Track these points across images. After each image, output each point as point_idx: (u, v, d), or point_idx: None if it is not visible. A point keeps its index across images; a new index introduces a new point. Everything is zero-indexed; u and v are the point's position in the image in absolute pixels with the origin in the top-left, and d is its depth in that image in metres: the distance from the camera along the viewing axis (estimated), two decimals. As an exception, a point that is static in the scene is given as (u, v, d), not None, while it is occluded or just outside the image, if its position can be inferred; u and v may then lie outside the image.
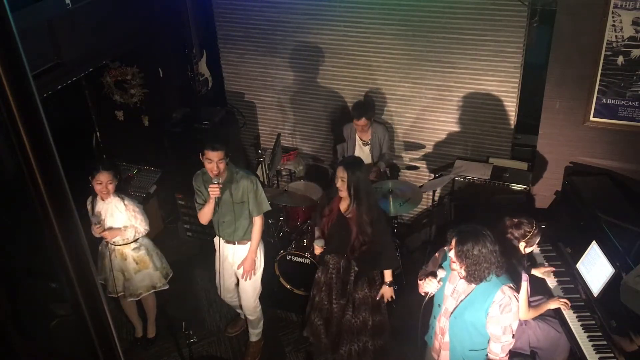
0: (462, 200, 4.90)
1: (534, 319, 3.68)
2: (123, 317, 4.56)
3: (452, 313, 3.10)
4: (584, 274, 3.80)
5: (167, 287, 4.37)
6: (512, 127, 5.01)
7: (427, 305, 3.21)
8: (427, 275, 3.13)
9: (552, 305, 3.69)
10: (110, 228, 4.00)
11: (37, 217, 0.87)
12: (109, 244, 4.09)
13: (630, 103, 4.28)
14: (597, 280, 3.66)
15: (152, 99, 5.52)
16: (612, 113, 4.36)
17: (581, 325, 3.61)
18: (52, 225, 0.88)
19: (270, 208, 4.08)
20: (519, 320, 3.25)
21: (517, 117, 4.98)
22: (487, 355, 3.10)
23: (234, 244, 4.09)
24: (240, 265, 4.09)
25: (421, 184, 5.18)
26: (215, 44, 5.70)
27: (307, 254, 4.65)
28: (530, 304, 3.59)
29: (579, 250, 3.92)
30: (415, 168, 5.42)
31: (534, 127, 4.80)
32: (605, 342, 3.48)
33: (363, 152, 5.14)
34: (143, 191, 5.45)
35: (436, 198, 5.40)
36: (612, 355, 3.41)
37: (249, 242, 4.05)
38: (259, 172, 5.23)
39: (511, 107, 4.92)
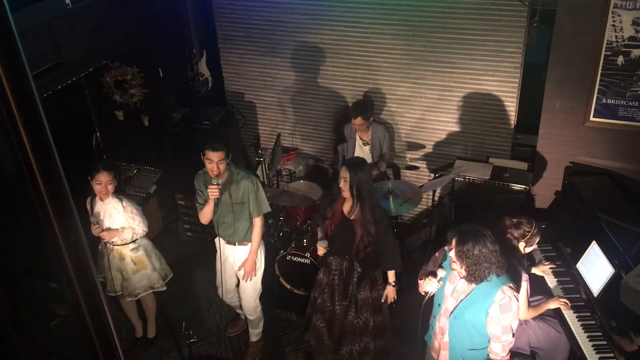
0: (462, 200, 4.90)
1: (534, 318, 3.68)
2: (123, 317, 4.56)
3: (452, 313, 3.10)
4: (584, 274, 3.80)
5: (164, 288, 4.36)
6: (512, 127, 5.01)
7: (427, 305, 3.21)
8: (427, 275, 3.13)
9: (552, 305, 3.69)
10: (109, 229, 4.00)
11: (37, 217, 0.87)
12: (108, 244, 4.09)
13: (630, 103, 4.29)
14: (597, 280, 3.66)
15: (152, 99, 5.52)
16: (612, 113, 4.36)
17: (581, 325, 3.61)
18: (52, 225, 0.88)
19: (270, 209, 4.08)
20: (519, 320, 3.25)
21: (517, 117, 4.98)
22: (487, 355, 3.10)
23: (235, 245, 4.08)
24: (241, 266, 4.10)
25: (421, 184, 5.18)
26: (215, 44, 5.70)
27: (307, 254, 4.65)
28: (530, 304, 3.59)
29: (579, 250, 3.92)
30: (415, 168, 5.42)
31: (534, 127, 4.80)
32: (605, 342, 3.48)
33: (363, 152, 5.14)
34: (143, 191, 5.45)
35: (436, 198, 5.40)
36: (612, 355, 3.41)
37: (250, 244, 4.04)
38: (259, 172, 5.23)
39: (511, 107, 4.92)
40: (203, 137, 4.92)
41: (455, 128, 5.21)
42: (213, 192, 3.75)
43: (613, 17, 4.06)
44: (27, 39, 3.61)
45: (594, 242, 3.80)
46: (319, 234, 4.02)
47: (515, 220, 3.44)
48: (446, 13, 4.74)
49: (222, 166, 3.74)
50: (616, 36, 4.11)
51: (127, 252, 4.13)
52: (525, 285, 3.39)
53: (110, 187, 3.90)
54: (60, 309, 3.67)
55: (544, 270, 4.00)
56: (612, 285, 3.51)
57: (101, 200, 3.96)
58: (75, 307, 0.94)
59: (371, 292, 3.92)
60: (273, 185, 5.73)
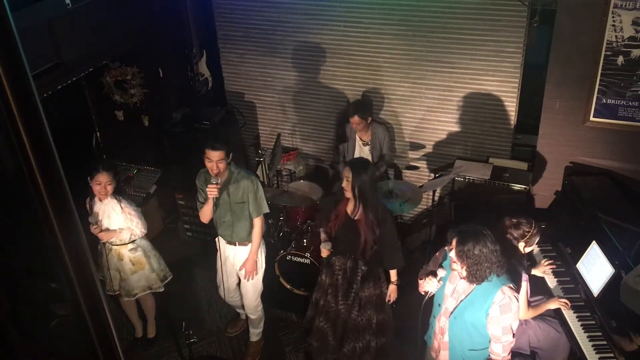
0: (462, 200, 4.90)
1: (534, 319, 3.68)
2: (123, 317, 4.56)
3: (452, 313, 3.10)
4: (584, 274, 3.80)
5: (162, 289, 4.36)
6: (512, 127, 5.01)
7: (427, 305, 3.21)
8: (427, 275, 3.13)
9: (552, 305, 3.69)
10: (107, 229, 4.00)
11: (37, 217, 0.87)
12: (107, 244, 4.09)
13: (630, 103, 4.29)
14: (597, 280, 3.66)
15: (152, 99, 5.52)
16: (612, 113, 4.36)
17: (581, 325, 3.61)
18: (52, 225, 0.88)
19: (268, 210, 4.08)
20: (519, 320, 3.25)
21: (517, 117, 4.98)
22: (488, 355, 3.09)
23: (235, 245, 4.09)
24: (241, 266, 4.10)
25: (421, 184, 5.18)
26: (215, 44, 5.70)
27: (307, 254, 4.65)
28: (530, 304, 3.59)
29: (579, 250, 3.92)
30: (415, 168, 5.42)
31: (534, 127, 4.80)
32: (605, 342, 3.48)
33: (363, 152, 5.15)
34: (143, 191, 5.45)
35: (436, 198, 5.40)
36: (612, 355, 3.41)
37: (250, 244, 4.05)
38: (259, 172, 5.23)
39: (511, 107, 4.92)
40: (203, 137, 4.92)
41: (455, 128, 5.21)
42: (212, 191, 3.76)
43: (613, 17, 4.06)
44: (27, 39, 3.61)
45: (594, 242, 3.80)
46: (322, 236, 4.01)
47: (515, 220, 3.44)
48: (446, 13, 4.74)
49: (221, 165, 3.75)
50: (616, 36, 4.11)
51: (126, 252, 4.13)
52: (525, 285, 3.39)
53: (110, 188, 3.90)
54: (60, 309, 3.67)
55: (544, 271, 4.00)
56: (612, 285, 3.51)
57: (100, 200, 3.96)
58: (75, 307, 0.94)
59: (375, 289, 3.93)
60: (273, 185, 5.73)
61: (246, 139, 6.08)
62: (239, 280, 4.27)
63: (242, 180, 3.89)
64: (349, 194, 3.67)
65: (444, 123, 5.23)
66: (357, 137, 5.13)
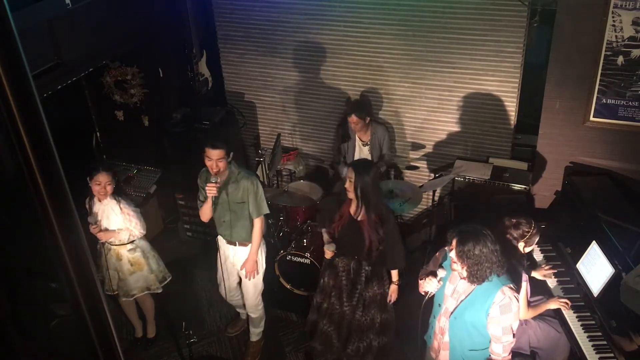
0: (462, 200, 4.90)
1: (534, 319, 3.68)
2: (123, 317, 4.56)
3: (452, 313, 3.10)
4: (584, 274, 3.80)
5: (160, 290, 4.36)
6: (512, 127, 5.01)
7: (427, 305, 3.21)
8: (427, 275, 3.13)
9: (552, 305, 3.69)
10: (106, 229, 4.00)
11: (37, 217, 0.87)
12: (106, 244, 4.09)
13: (630, 103, 4.29)
14: (597, 280, 3.66)
15: (152, 99, 5.52)
16: (612, 113, 4.36)
17: (581, 325, 3.61)
18: (52, 225, 0.88)
19: (268, 211, 4.09)
20: (520, 320, 3.25)
21: (517, 117, 4.98)
22: (488, 355, 3.09)
23: (235, 245, 4.09)
24: (242, 266, 4.10)
25: (421, 184, 5.18)
26: (215, 44, 5.70)
27: (307, 254, 4.65)
28: (529, 304, 3.59)
29: (579, 250, 3.92)
30: (415, 168, 5.42)
31: (534, 127, 4.80)
32: (605, 342, 3.48)
33: (362, 152, 5.15)
34: (143, 191, 5.45)
35: (436, 198, 5.40)
36: (612, 355, 3.41)
37: (250, 244, 4.05)
38: (259, 172, 5.23)
39: (511, 107, 4.92)
40: (203, 137, 4.93)
41: (455, 128, 5.21)
42: (211, 190, 3.77)
43: (613, 17, 4.06)
44: (27, 39, 3.61)
45: (594, 242, 3.80)
46: (325, 237, 4.00)
47: (514, 220, 3.44)
48: (446, 13, 4.74)
49: (221, 164, 3.75)
50: (616, 36, 4.11)
51: (125, 252, 4.13)
52: (525, 285, 3.39)
53: (109, 188, 3.90)
54: (60, 309, 3.68)
55: (544, 275, 3.99)
56: (612, 285, 3.51)
57: (99, 200, 3.96)
58: (75, 307, 0.94)
59: (378, 289, 3.93)
60: (273, 185, 5.73)
61: (246, 139, 6.08)
62: (240, 279, 4.28)
63: (242, 180, 3.89)
64: (351, 194, 3.68)
65: (444, 123, 5.23)
66: (357, 138, 5.13)
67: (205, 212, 3.96)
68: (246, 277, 4.11)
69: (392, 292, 3.96)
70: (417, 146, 5.45)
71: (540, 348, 3.69)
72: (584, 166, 4.60)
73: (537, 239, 3.50)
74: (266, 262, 4.26)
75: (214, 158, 3.72)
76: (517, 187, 4.72)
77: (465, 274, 2.93)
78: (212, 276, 4.51)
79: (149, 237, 4.31)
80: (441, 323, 3.19)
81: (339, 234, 3.86)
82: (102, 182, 3.85)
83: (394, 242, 3.82)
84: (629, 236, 3.73)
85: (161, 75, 5.39)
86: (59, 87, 4.11)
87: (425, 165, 5.49)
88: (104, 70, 5.45)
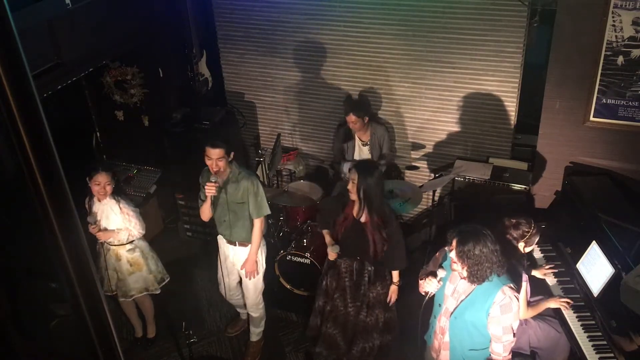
0: (462, 200, 4.90)
1: (534, 319, 3.68)
2: (123, 317, 4.56)
3: (452, 313, 3.10)
4: (584, 274, 3.80)
5: (159, 291, 4.36)
6: (512, 127, 5.01)
7: (428, 305, 3.21)
8: (427, 275, 3.13)
9: (552, 304, 3.69)
10: (105, 229, 4.00)
11: (37, 217, 0.87)
12: (105, 244, 4.09)
13: (630, 103, 4.29)
14: (597, 280, 3.66)
15: (152, 99, 5.52)
16: (612, 113, 4.36)
17: (581, 325, 3.61)
18: (52, 225, 0.88)
19: (269, 212, 4.09)
20: (519, 320, 3.25)
21: (517, 117, 4.98)
22: (488, 355, 3.10)
23: (235, 244, 4.09)
24: (242, 266, 4.10)
25: (421, 184, 5.18)
26: (215, 44, 5.70)
27: (307, 254, 4.65)
28: (529, 304, 3.59)
29: (579, 250, 3.92)
30: (415, 168, 5.42)
31: (534, 127, 4.80)
32: (605, 342, 3.48)
33: (362, 152, 5.15)
34: (143, 191, 5.45)
35: (436, 198, 5.40)
36: (612, 355, 3.41)
37: (250, 245, 4.05)
38: (259, 172, 5.23)
39: (511, 107, 4.92)
40: (203, 137, 4.93)
41: (455, 128, 5.21)
42: (210, 189, 3.78)
43: (613, 17, 4.06)
44: (27, 39, 3.61)
45: (594, 242, 3.80)
46: (327, 239, 3.98)
47: (514, 220, 3.44)
48: (446, 13, 4.74)
49: (221, 164, 3.76)
50: (616, 36, 4.11)
51: (124, 252, 4.13)
52: (525, 285, 3.39)
53: (109, 188, 3.90)
54: (60, 309, 3.68)
55: (544, 274, 4.00)
56: (612, 285, 3.51)
57: (99, 200, 3.96)
58: (75, 307, 0.94)
59: (382, 289, 3.93)
60: (273, 185, 5.73)
61: (246, 139, 6.08)
62: (240, 278, 4.28)
63: (242, 180, 3.89)
64: (354, 196, 3.66)
65: (444, 123, 5.23)
66: (357, 137, 5.13)
67: (205, 212, 3.97)
68: (246, 277, 4.11)
69: (392, 292, 3.96)
70: (417, 146, 5.45)
71: (540, 348, 3.69)
72: (584, 166, 4.60)
73: (537, 239, 3.50)
74: (266, 262, 4.26)
75: (214, 157, 3.73)
76: (517, 187, 4.72)
77: (465, 274, 2.93)
78: (212, 276, 4.51)
79: (148, 237, 4.31)
80: (441, 323, 3.20)
81: (342, 235, 3.85)
82: (101, 182, 3.85)
83: (396, 243, 3.81)
84: (629, 236, 3.73)
85: (161, 75, 5.39)
86: (59, 87, 4.11)
87: (425, 165, 5.49)
88: (104, 70, 5.45)
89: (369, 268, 3.86)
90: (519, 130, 5.09)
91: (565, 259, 4.06)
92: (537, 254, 4.25)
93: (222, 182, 3.88)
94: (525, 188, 4.72)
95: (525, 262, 3.56)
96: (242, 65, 5.73)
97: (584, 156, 4.60)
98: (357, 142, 5.14)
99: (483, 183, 4.81)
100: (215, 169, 3.76)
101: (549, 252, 4.24)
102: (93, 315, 0.97)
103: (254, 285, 4.19)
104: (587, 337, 3.54)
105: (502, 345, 3.01)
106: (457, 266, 2.93)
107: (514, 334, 3.01)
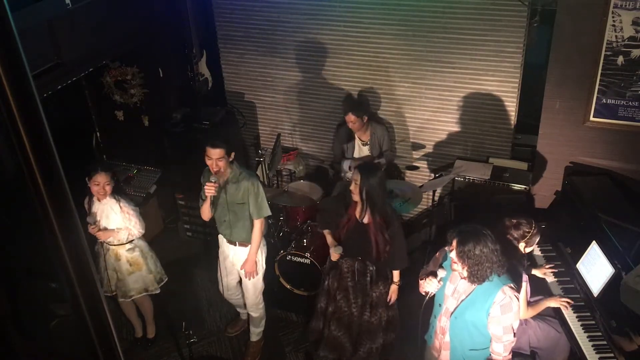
0: (462, 200, 4.90)
1: (534, 318, 3.68)
2: (123, 317, 4.55)
3: (452, 313, 3.10)
4: (584, 274, 3.80)
5: (158, 291, 4.36)
6: (512, 127, 5.01)
7: (428, 305, 3.21)
8: (427, 275, 3.13)
9: (552, 303, 3.69)
10: (105, 228, 4.00)
11: (37, 217, 0.87)
12: (104, 244, 4.09)
13: (630, 103, 4.29)
14: (597, 280, 3.66)
15: (152, 99, 5.52)
16: (612, 113, 4.36)
17: (581, 325, 3.61)
18: (52, 225, 0.88)
19: (270, 213, 4.09)
20: (520, 320, 3.25)
21: (517, 117, 4.98)
22: (489, 355, 3.10)
23: (235, 244, 4.09)
24: (241, 267, 4.10)
25: (421, 184, 5.18)
26: (215, 44, 5.70)
27: (307, 254, 4.65)
28: (529, 304, 3.59)
29: (579, 250, 3.92)
30: (415, 168, 5.42)
31: (534, 127, 4.80)
32: (605, 342, 3.48)
33: (362, 152, 5.15)
34: (143, 191, 5.45)
35: (436, 198, 5.40)
36: (612, 355, 3.41)
37: (250, 245, 4.05)
38: (259, 172, 5.23)
39: (511, 107, 4.92)
40: (203, 137, 4.93)
41: (455, 128, 5.21)
42: (209, 189, 3.79)
43: (613, 17, 4.06)
44: (27, 39, 3.61)
45: (594, 242, 3.80)
46: (329, 239, 3.97)
47: (515, 220, 3.44)
48: (446, 13, 4.74)
49: (221, 164, 3.76)
50: (616, 36, 4.11)
51: (123, 252, 4.13)
52: (525, 285, 3.39)
53: (108, 188, 3.90)
54: (60, 309, 3.68)
55: (544, 273, 4.00)
56: (612, 285, 3.51)
57: (99, 200, 3.96)
58: (75, 307, 0.95)
59: (384, 288, 3.93)
60: (273, 185, 5.73)
61: (246, 139, 6.08)
62: (240, 278, 4.28)
63: (242, 181, 3.89)
64: (356, 197, 3.66)
65: (444, 123, 5.23)
66: (357, 137, 5.13)
67: (205, 211, 3.97)
68: (246, 277, 4.11)
69: (392, 292, 3.95)
70: (417, 146, 5.45)
71: (540, 348, 3.69)
72: (584, 166, 4.60)
73: (537, 239, 3.50)
74: (266, 262, 4.26)
75: (214, 157, 3.73)
76: (517, 187, 4.72)
77: (465, 274, 2.93)
78: (212, 276, 4.51)
79: (148, 237, 4.31)
80: (442, 323, 3.20)
81: (344, 236, 3.85)
82: (100, 182, 3.85)
83: (398, 244, 3.81)
84: (629, 236, 3.73)
85: (161, 75, 5.39)
86: (59, 87, 4.11)
87: (426, 165, 5.49)
88: (104, 70, 5.45)
89: (371, 268, 3.86)
90: (519, 130, 5.09)
91: (565, 259, 4.06)
92: (537, 254, 4.25)
93: (223, 182, 3.88)
94: (525, 188, 4.72)
95: (525, 263, 3.56)
96: (242, 65, 5.73)
97: (584, 156, 4.60)
98: (357, 142, 5.14)
99: (483, 183, 4.81)
100: (215, 169, 3.77)
101: (549, 252, 4.24)
102: (93, 315, 0.97)
103: (254, 286, 4.19)
104: (587, 337, 3.54)
105: (502, 345, 3.01)
106: (458, 266, 2.93)
107: (514, 333, 3.01)
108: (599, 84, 4.29)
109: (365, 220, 3.72)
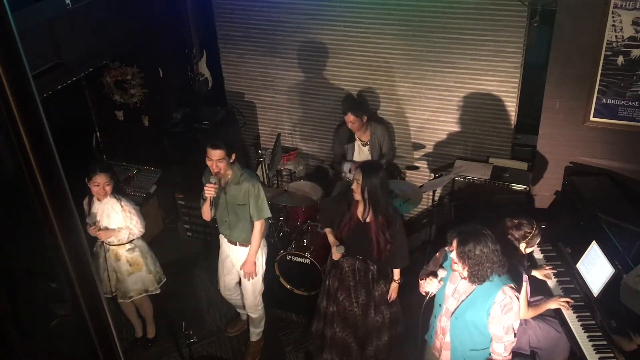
0: (462, 200, 4.90)
1: (534, 319, 3.68)
2: (123, 317, 4.55)
3: (453, 313, 3.10)
4: (584, 274, 3.80)
5: (158, 291, 4.36)
6: (512, 127, 5.01)
7: (428, 305, 3.21)
8: (427, 275, 3.13)
9: (552, 304, 3.69)
10: (106, 228, 4.00)
11: (37, 217, 0.87)
12: (104, 244, 4.08)
13: (630, 103, 4.29)
14: (597, 280, 3.67)
15: (152, 99, 5.52)
16: (612, 113, 4.36)
17: (581, 325, 3.61)
18: (52, 225, 0.88)
19: (270, 215, 4.09)
20: (520, 320, 3.25)
21: (517, 117, 4.98)
22: (489, 355, 3.10)
23: (235, 245, 4.09)
24: (241, 267, 4.10)
25: (421, 184, 5.18)
26: (215, 44, 5.70)
27: (307, 254, 4.65)
28: (530, 304, 3.59)
29: (579, 250, 3.92)
30: (415, 168, 5.42)
31: (534, 127, 4.80)
32: (605, 342, 3.48)
33: (362, 152, 5.14)
34: (143, 191, 5.45)
35: (436, 198, 5.40)
36: (612, 355, 3.41)
37: (250, 246, 4.05)
38: (259, 172, 5.23)
39: (511, 107, 4.92)
40: (203, 137, 4.93)
41: (455, 128, 5.21)
42: (209, 190, 3.78)
43: (613, 17, 4.06)
44: (27, 39, 3.61)
45: (594, 242, 3.80)
46: (330, 239, 3.96)
47: (516, 221, 3.44)
48: (446, 13, 4.74)
49: (221, 165, 3.75)
50: (616, 36, 4.11)
51: (123, 252, 4.12)
52: (525, 285, 3.39)
53: (108, 188, 3.89)
54: (60, 309, 3.68)
55: (545, 275, 3.99)
56: (612, 285, 3.51)
57: (99, 200, 3.96)
58: (75, 307, 0.95)
59: (386, 287, 3.93)
60: (273, 185, 5.73)
61: (246, 139, 6.08)
62: (239, 278, 4.28)
63: (243, 182, 3.89)
64: (358, 196, 3.65)
65: (444, 123, 5.23)
66: (357, 137, 5.12)
67: (205, 211, 3.97)
68: (245, 277, 4.11)
69: (392, 290, 3.95)
70: (417, 146, 5.44)
71: (540, 348, 3.69)
72: (584, 166, 4.60)
73: (538, 240, 3.50)
74: (266, 262, 4.26)
75: (214, 158, 3.73)
76: (517, 187, 4.72)
77: (466, 274, 2.93)
78: (212, 276, 4.52)
79: (148, 237, 4.30)
80: (442, 323, 3.20)
81: (346, 235, 3.85)
82: (100, 183, 3.85)
83: (400, 243, 3.81)
84: (629, 236, 3.73)
85: (161, 75, 5.39)
86: (59, 87, 4.11)
87: (426, 165, 5.49)
88: (104, 70, 5.45)
89: (372, 267, 3.86)
90: (519, 130, 5.09)
91: (565, 259, 4.06)
92: (537, 254, 4.25)
93: (224, 183, 3.88)
94: (525, 188, 4.72)
95: (525, 263, 3.56)
96: (242, 65, 5.73)
97: (584, 156, 4.60)
98: (357, 142, 5.14)
99: (483, 183, 4.81)
100: (215, 170, 3.76)
101: (549, 252, 4.24)
102: (93, 316, 0.97)
103: (253, 287, 4.19)
104: (587, 337, 3.54)
105: (503, 345, 3.01)
106: (458, 266, 2.93)
107: (514, 333, 3.01)
108: (599, 84, 4.29)
109: (368, 219, 3.72)
